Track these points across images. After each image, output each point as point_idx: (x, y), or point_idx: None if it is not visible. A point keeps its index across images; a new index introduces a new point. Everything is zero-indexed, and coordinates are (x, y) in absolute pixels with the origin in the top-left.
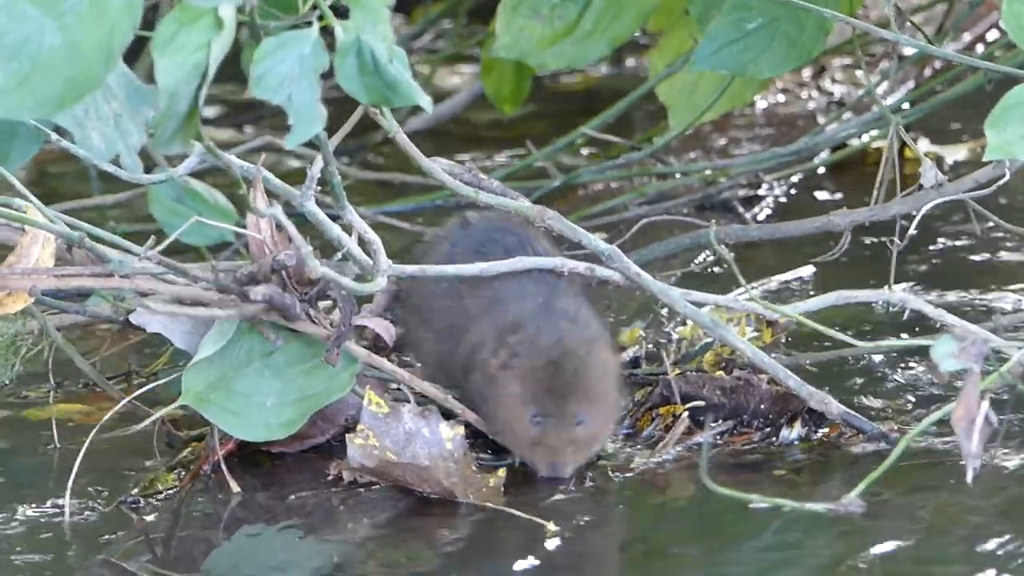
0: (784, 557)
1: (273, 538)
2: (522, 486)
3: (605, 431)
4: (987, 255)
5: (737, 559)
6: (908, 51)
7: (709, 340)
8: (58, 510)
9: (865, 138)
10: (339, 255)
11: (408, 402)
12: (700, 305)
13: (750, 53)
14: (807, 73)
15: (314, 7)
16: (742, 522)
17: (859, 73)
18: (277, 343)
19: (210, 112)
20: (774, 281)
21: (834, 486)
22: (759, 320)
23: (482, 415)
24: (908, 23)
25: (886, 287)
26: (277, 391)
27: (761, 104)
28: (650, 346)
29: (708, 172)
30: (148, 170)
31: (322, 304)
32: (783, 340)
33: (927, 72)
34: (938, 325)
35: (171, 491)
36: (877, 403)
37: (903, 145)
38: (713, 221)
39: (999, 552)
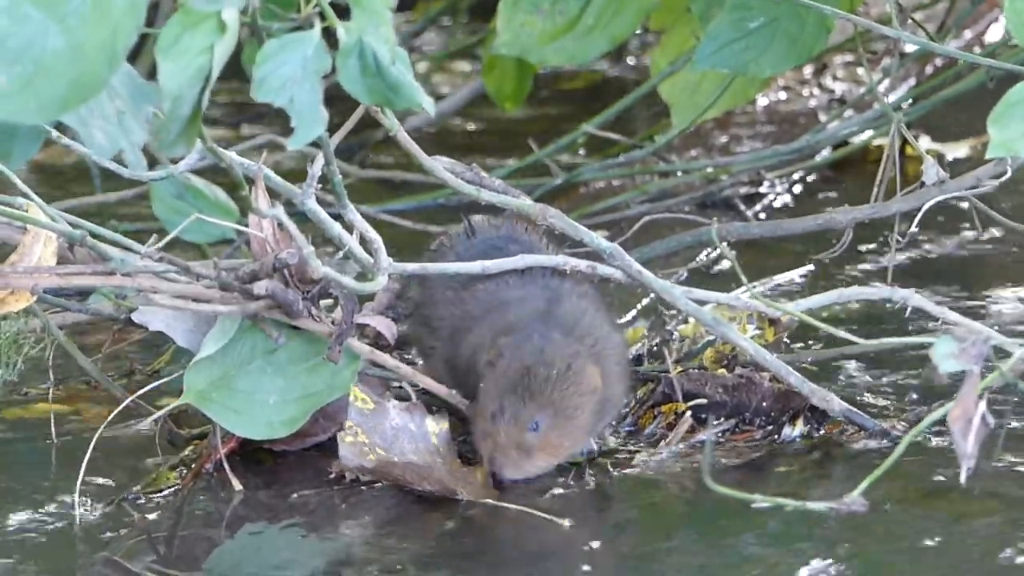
0: (785, 556)
1: (275, 536)
2: (522, 484)
3: (564, 446)
4: (988, 253)
5: (738, 558)
6: (909, 48)
7: (711, 338)
8: (60, 508)
9: (866, 136)
10: (340, 254)
11: (405, 399)
12: (702, 303)
13: (752, 52)
14: (808, 71)
15: (316, 7)
16: (743, 520)
17: (860, 71)
18: (279, 341)
19: (211, 112)
20: (775, 279)
21: (836, 484)
22: (761, 318)
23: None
24: (909, 20)
25: (887, 285)
26: (279, 389)
27: (763, 102)
28: (653, 344)
29: (710, 170)
30: (150, 167)
31: (323, 302)
32: (784, 338)
33: (928, 69)
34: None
35: (173, 489)
36: (879, 401)
37: (904, 142)
38: (715, 219)
39: (1008, 551)
